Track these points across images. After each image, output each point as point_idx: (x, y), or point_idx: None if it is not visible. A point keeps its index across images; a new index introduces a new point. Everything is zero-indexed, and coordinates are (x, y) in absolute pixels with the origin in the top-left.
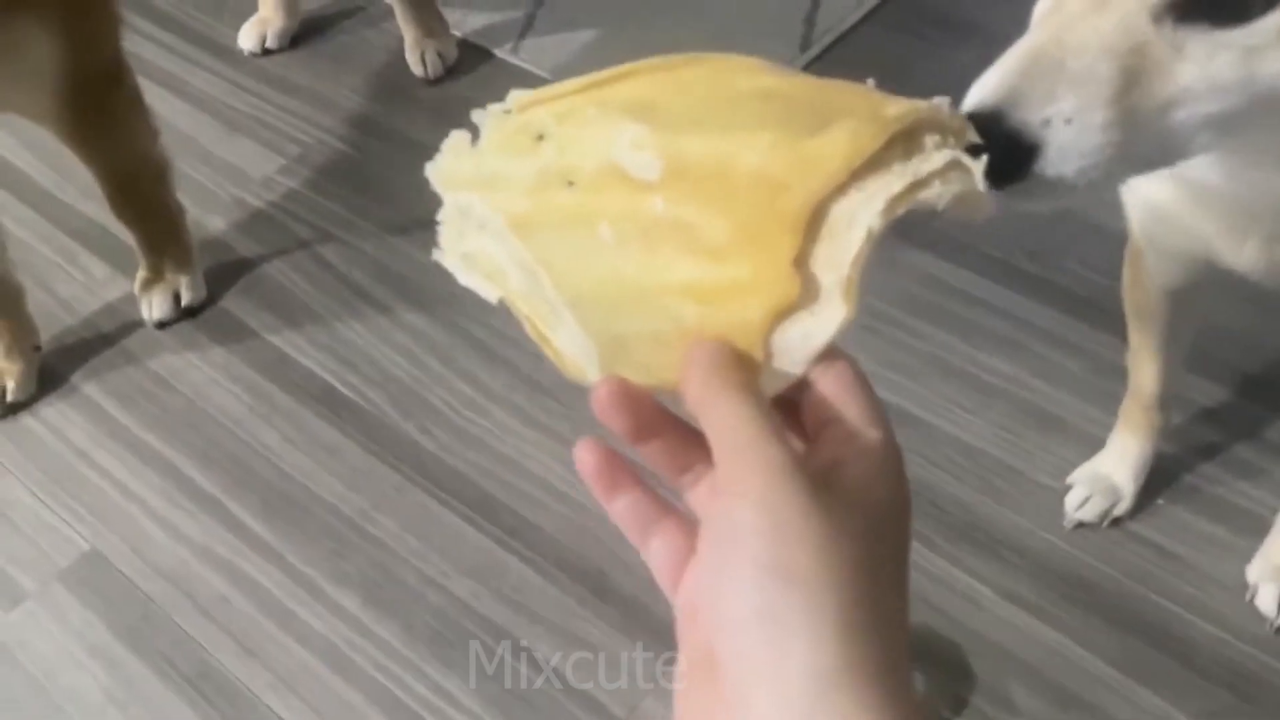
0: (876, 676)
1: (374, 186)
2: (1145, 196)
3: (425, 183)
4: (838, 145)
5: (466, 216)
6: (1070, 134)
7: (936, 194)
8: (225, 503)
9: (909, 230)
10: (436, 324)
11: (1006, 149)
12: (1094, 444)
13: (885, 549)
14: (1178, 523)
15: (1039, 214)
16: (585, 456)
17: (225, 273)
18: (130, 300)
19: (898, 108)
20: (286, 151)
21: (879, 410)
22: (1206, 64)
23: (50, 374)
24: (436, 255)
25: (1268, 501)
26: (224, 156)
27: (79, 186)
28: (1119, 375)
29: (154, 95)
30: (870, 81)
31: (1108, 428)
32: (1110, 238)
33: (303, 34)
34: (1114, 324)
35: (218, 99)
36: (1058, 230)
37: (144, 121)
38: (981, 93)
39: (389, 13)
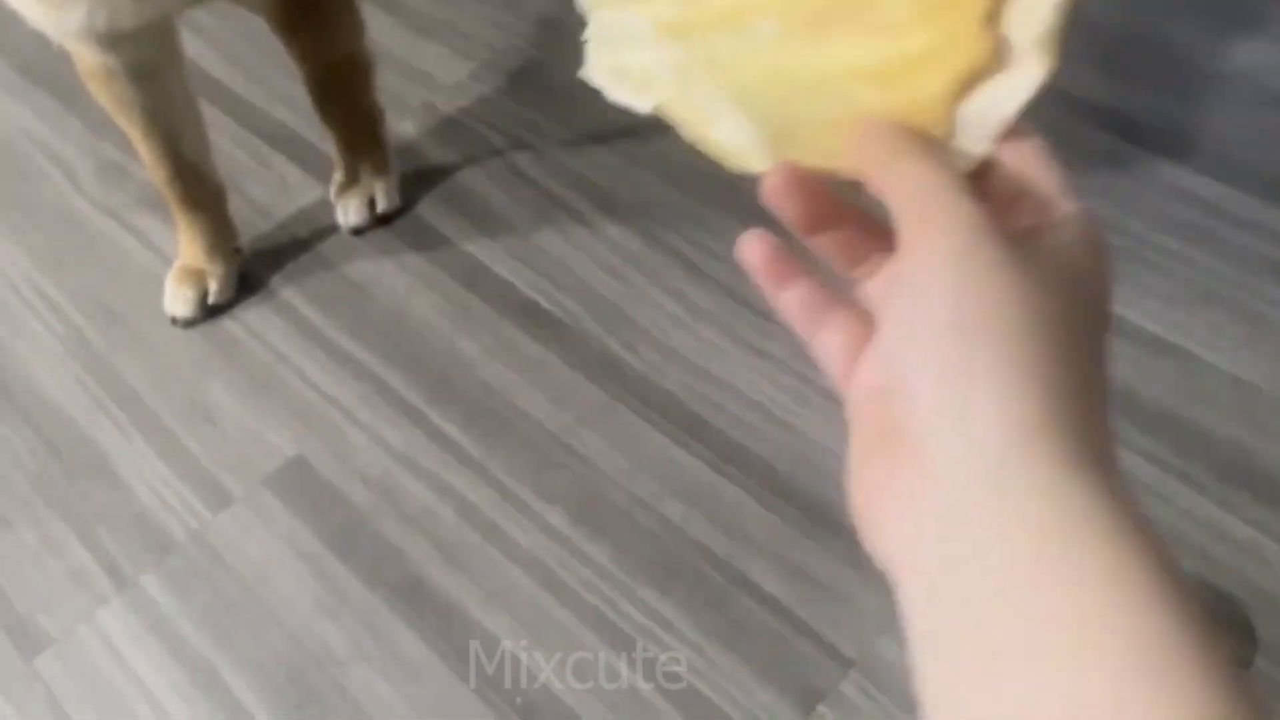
0: (1075, 433)
1: (567, 93)
2: None
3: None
4: None
5: (615, 31)
6: None
7: None
8: (427, 412)
9: (1167, 144)
10: (638, 237)
11: None
12: None
13: (1085, 312)
14: None
15: None
16: (753, 246)
17: (419, 180)
18: (324, 206)
19: None
20: (477, 55)
21: (1072, 187)
22: None
23: (249, 277)
24: (583, 73)
25: None
26: (413, 61)
27: (273, 92)
28: None
29: None
30: None
31: None
32: None
33: None
34: None
35: (404, 2)
36: None
37: (352, 14)
38: None
39: None
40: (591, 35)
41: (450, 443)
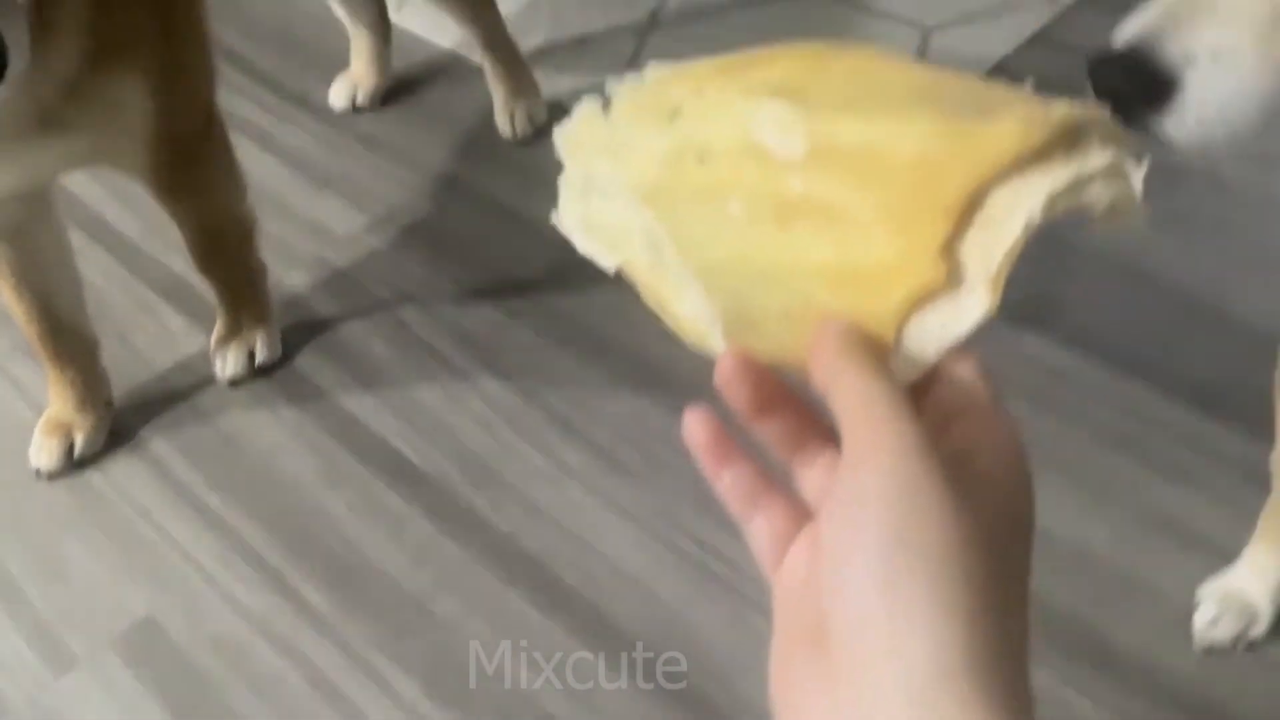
0: (997, 662)
1: (458, 248)
2: None
3: (509, 245)
4: (1006, 134)
5: (590, 183)
6: (1216, 72)
7: (1096, 195)
8: (285, 573)
9: (1025, 312)
10: (516, 394)
11: (1144, 82)
12: (1226, 556)
13: (1012, 540)
14: None
15: (1182, 163)
16: (696, 427)
17: (302, 331)
18: (206, 356)
19: (1063, 107)
20: (372, 210)
21: (1009, 413)
22: None
23: (120, 428)
24: (555, 219)
25: None
26: (309, 213)
27: (164, 239)
28: (1253, 479)
29: (242, 149)
30: (1027, 85)
31: (1239, 538)
32: (1244, 328)
33: (393, 92)
34: (1248, 422)
35: (306, 155)
36: (1185, 320)
37: (234, 178)
38: (1125, 31)
39: (479, 72)
40: (565, 182)
41: (306, 605)
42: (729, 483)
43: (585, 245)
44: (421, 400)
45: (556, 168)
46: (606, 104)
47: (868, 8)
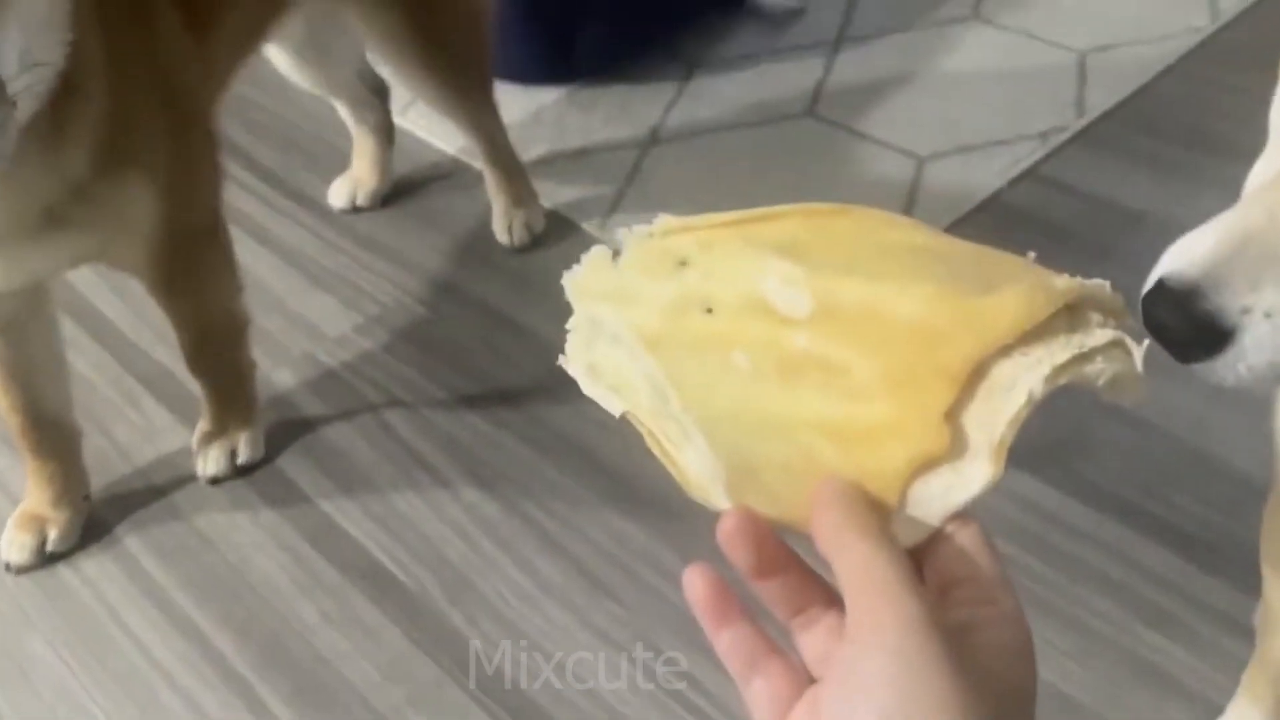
0: None
1: (449, 353)
2: None
3: (501, 353)
4: (1010, 305)
5: (597, 328)
6: (1268, 328)
7: (1099, 370)
8: (253, 682)
9: (1013, 454)
10: (497, 503)
11: (1199, 329)
12: (1209, 708)
13: (1013, 712)
14: None
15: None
16: (697, 584)
17: (286, 431)
18: (187, 452)
19: (1066, 281)
20: (365, 310)
21: (1010, 581)
22: None
23: (95, 523)
24: (562, 362)
25: None
26: (301, 310)
27: (154, 330)
28: (1237, 630)
29: (240, 245)
30: (1031, 255)
31: (1221, 689)
32: (1233, 476)
33: (393, 195)
34: (1234, 572)
35: (303, 252)
36: (1176, 465)
37: (231, 278)
38: (1181, 262)
39: (480, 179)
40: (575, 326)
41: (270, 717)
42: (728, 643)
43: (591, 389)
44: (402, 507)
45: (552, 277)
46: (616, 252)
47: (864, 135)
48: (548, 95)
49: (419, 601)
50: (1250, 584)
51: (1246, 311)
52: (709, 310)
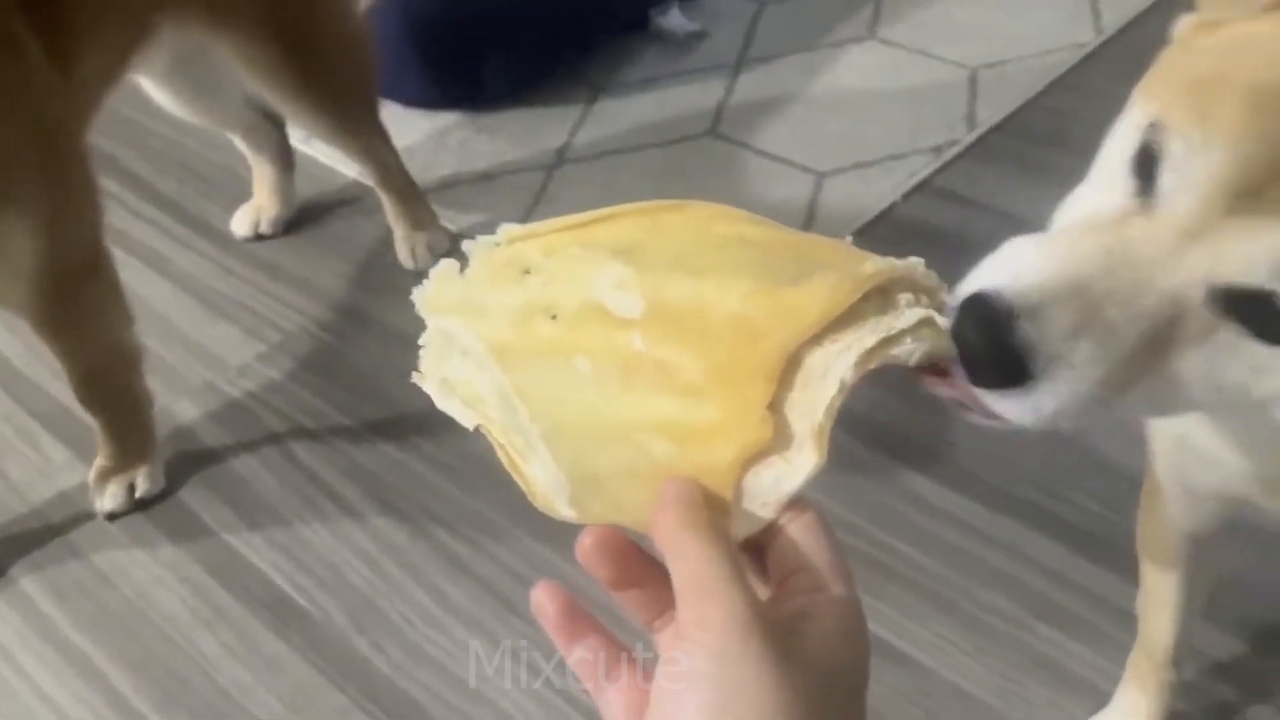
0: None
1: (354, 379)
2: (1175, 430)
3: (407, 377)
4: (816, 296)
5: (449, 342)
6: (1068, 378)
7: (907, 351)
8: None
9: (905, 451)
10: (404, 529)
11: (1003, 359)
12: (1100, 697)
13: (843, 696)
14: None
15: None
16: (546, 603)
17: (187, 463)
18: (85, 489)
19: (874, 265)
20: (267, 338)
21: (845, 565)
22: (1220, 359)
23: None
24: (416, 378)
25: None
26: (202, 341)
27: (49, 366)
28: (1126, 620)
29: (138, 275)
30: (848, 237)
31: (1114, 678)
32: (1118, 471)
33: (298, 221)
34: (1121, 564)
35: (203, 281)
36: (1063, 461)
37: (118, 312)
38: (1007, 278)
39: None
40: (427, 342)
41: None
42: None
43: (445, 404)
44: (307, 536)
45: None
46: (464, 264)
47: (765, 153)
48: (452, 119)
49: (324, 630)
50: (1136, 575)
51: (1054, 359)
52: (553, 317)
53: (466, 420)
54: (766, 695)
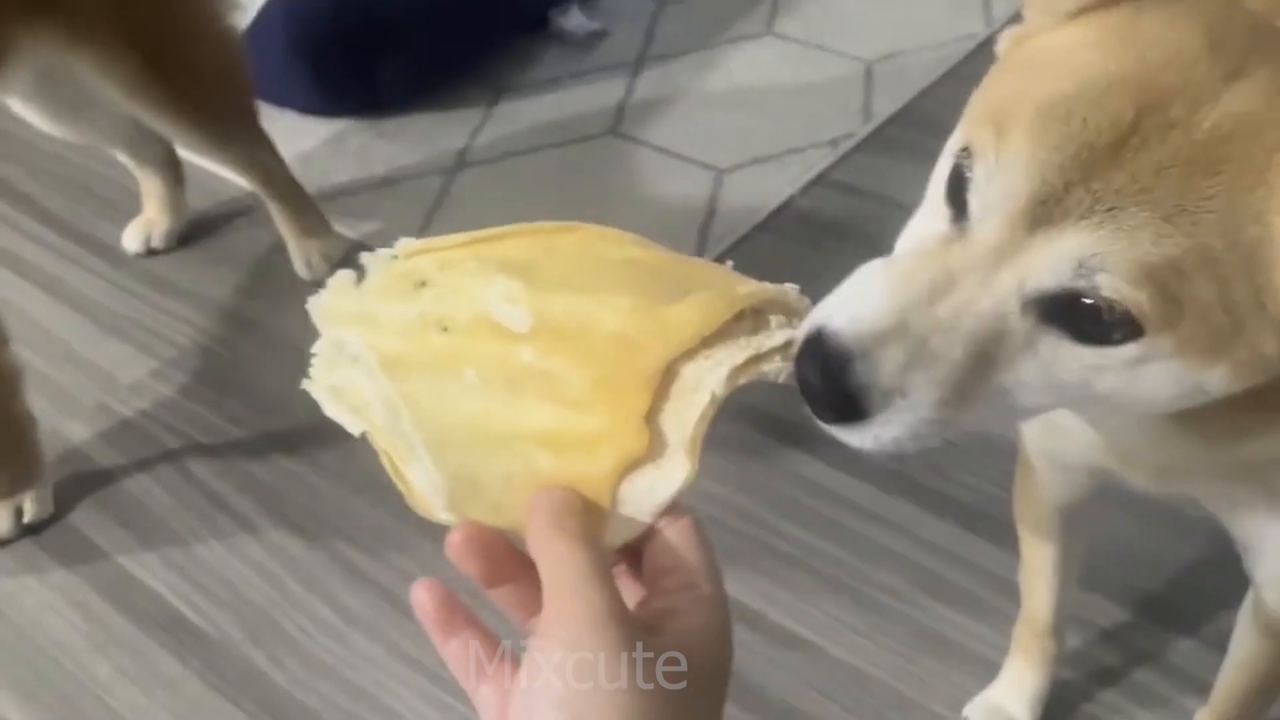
0: None
1: (249, 392)
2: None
3: (299, 389)
4: (691, 314)
5: (341, 351)
6: (903, 409)
7: (775, 369)
8: None
9: (796, 436)
10: (302, 541)
11: (840, 400)
12: (990, 669)
13: (700, 704)
14: None
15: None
16: (423, 597)
17: (78, 485)
18: None
19: (748, 287)
20: (160, 354)
21: (716, 568)
22: (1052, 365)
23: None
24: (305, 384)
25: None
26: (93, 359)
27: None
28: (1013, 594)
29: (27, 295)
30: (729, 263)
31: (1004, 651)
32: (1003, 448)
33: (192, 233)
34: (1010, 540)
35: (94, 299)
36: (955, 443)
37: None
38: (843, 320)
39: None
40: (320, 350)
41: None
42: (454, 651)
43: (333, 411)
44: (203, 553)
45: None
46: (361, 275)
47: (666, 150)
48: (349, 124)
49: (220, 647)
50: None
51: (886, 394)
52: (445, 329)
53: (353, 426)
54: (620, 688)
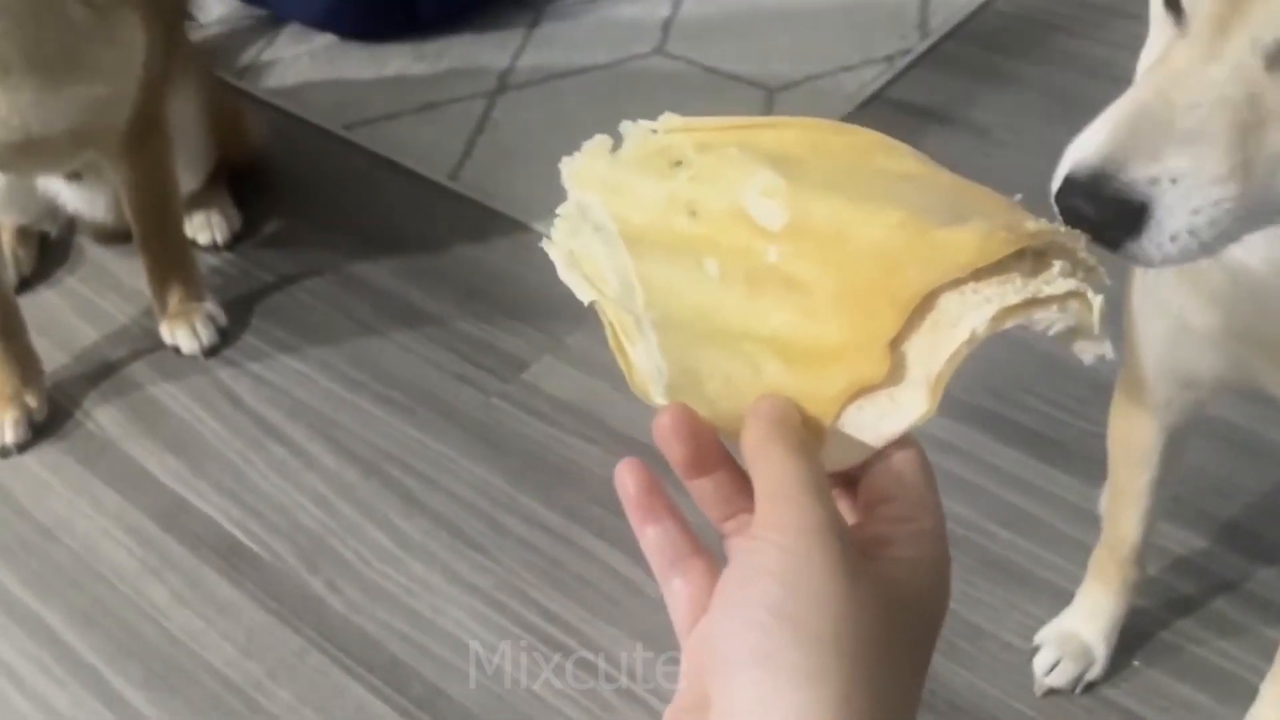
0: None
1: (294, 319)
2: (1167, 321)
3: (351, 315)
4: (968, 240)
5: (584, 215)
6: (1180, 192)
7: (1050, 319)
8: (104, 672)
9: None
10: (356, 468)
11: (1113, 208)
12: (1062, 597)
13: (909, 636)
14: (1156, 688)
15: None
16: (627, 478)
17: (129, 411)
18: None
19: (1037, 224)
20: (209, 282)
21: (939, 505)
22: None
23: None
24: (544, 244)
25: (1250, 662)
26: (139, 286)
27: None
28: (1085, 521)
29: None
30: (1018, 196)
31: (1075, 580)
32: (1073, 374)
33: None
34: (1079, 466)
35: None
36: (1019, 366)
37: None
38: (1082, 153)
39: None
40: (564, 212)
41: (126, 708)
42: (652, 539)
43: (566, 275)
44: (256, 481)
45: (408, 240)
46: (617, 143)
47: (714, 70)
48: (390, 47)
49: (276, 572)
50: (1096, 476)
51: (1154, 182)
52: (693, 214)
53: (583, 294)
54: (831, 600)
